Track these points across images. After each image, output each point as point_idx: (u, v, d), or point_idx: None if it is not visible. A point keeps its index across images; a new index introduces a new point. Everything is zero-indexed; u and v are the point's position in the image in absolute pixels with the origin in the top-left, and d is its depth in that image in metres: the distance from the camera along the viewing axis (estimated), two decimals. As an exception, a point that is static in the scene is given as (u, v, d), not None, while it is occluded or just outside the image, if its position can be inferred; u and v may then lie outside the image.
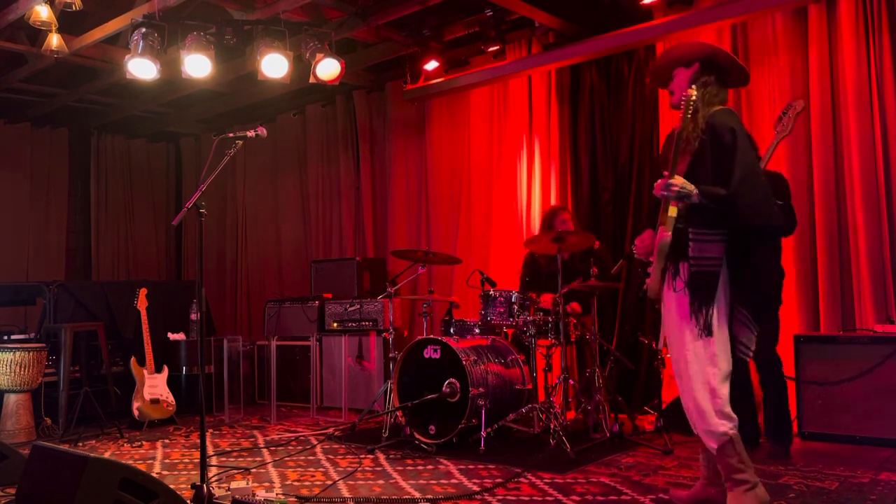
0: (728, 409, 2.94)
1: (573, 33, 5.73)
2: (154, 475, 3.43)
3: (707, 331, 2.92)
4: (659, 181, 2.97)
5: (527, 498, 3.39)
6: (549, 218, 5.27)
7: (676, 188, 2.91)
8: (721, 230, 2.92)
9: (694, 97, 2.97)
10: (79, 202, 8.64)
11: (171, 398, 5.63)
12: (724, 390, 2.94)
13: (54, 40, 5.24)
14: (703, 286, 2.93)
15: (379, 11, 5.54)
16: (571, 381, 4.74)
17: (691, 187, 2.91)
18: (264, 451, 4.62)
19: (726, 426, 2.94)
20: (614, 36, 5.39)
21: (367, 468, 4.07)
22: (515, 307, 4.77)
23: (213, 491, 3.28)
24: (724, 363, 2.96)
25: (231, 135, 3.51)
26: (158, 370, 5.64)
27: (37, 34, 5.88)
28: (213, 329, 7.22)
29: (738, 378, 4.25)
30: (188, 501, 3.13)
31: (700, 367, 2.96)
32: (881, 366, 4.21)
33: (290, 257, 8.24)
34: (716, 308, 2.93)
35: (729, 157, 2.90)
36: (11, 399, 5.15)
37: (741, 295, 2.97)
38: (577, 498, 3.36)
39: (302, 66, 5.50)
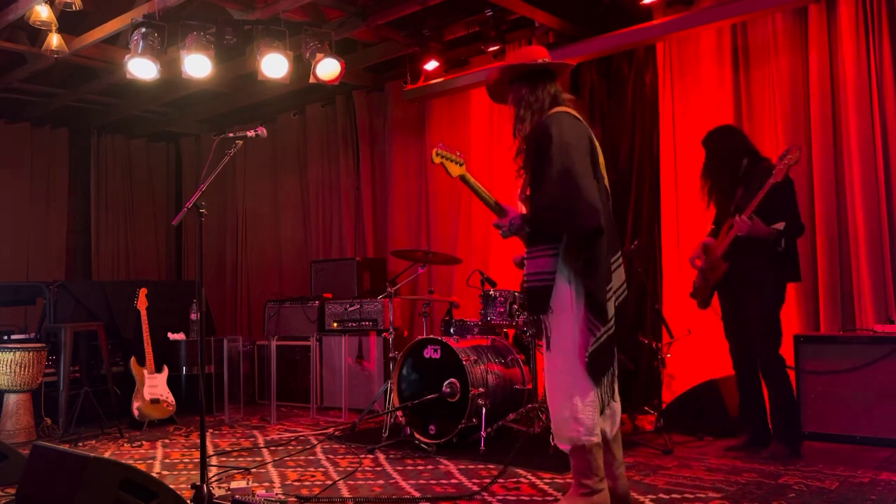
0: (583, 416, 2.93)
1: (573, 33, 5.73)
2: (154, 475, 3.43)
3: (546, 343, 3.02)
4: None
5: (527, 498, 3.39)
6: None
7: (505, 228, 3.10)
8: (550, 245, 2.99)
9: (438, 151, 3.16)
10: (79, 202, 8.63)
11: (171, 398, 5.63)
12: (580, 398, 2.93)
13: (54, 40, 5.24)
14: (533, 300, 3.03)
15: (379, 11, 5.54)
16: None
17: (518, 222, 3.06)
18: (264, 451, 4.62)
19: (578, 433, 2.94)
20: (614, 36, 5.39)
21: (367, 468, 4.07)
22: (515, 307, 4.77)
23: (213, 491, 3.28)
24: (582, 373, 2.94)
25: (231, 135, 3.51)
26: (158, 370, 5.64)
27: (37, 34, 5.89)
28: (213, 329, 7.22)
29: (747, 380, 4.29)
30: (188, 501, 3.14)
31: (555, 376, 3.02)
32: (881, 365, 4.21)
33: (290, 257, 8.24)
34: (570, 318, 2.94)
35: (542, 164, 2.96)
36: (11, 399, 5.15)
37: (584, 299, 2.93)
38: (577, 498, 3.36)
39: (302, 66, 5.50)
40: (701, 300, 4.39)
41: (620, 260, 3.11)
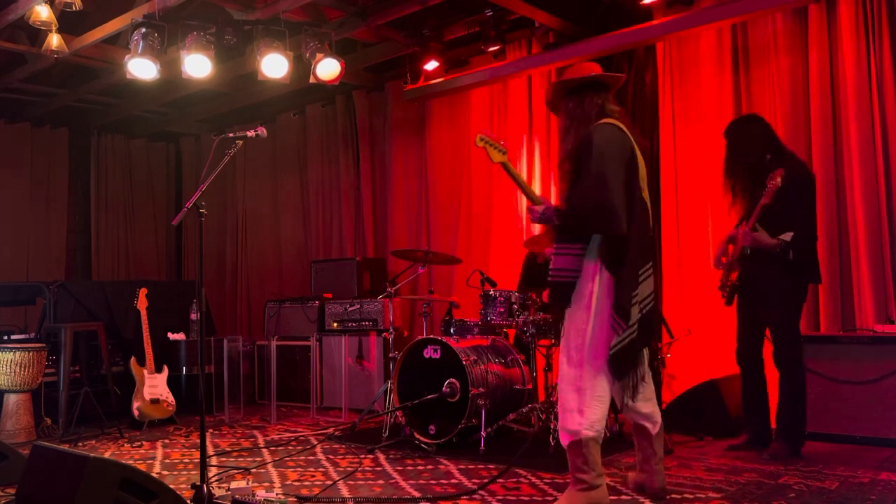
0: (587, 410, 3.04)
1: (573, 33, 5.73)
2: (154, 475, 3.43)
3: (559, 336, 3.15)
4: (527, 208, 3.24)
5: (527, 498, 3.40)
6: None
7: (537, 214, 3.16)
8: (578, 244, 3.10)
9: (482, 137, 3.22)
10: (79, 202, 8.63)
11: (171, 398, 5.63)
12: (589, 391, 3.05)
13: (54, 40, 5.24)
14: (556, 294, 3.15)
15: (379, 11, 5.54)
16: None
17: (549, 213, 3.13)
18: (264, 451, 4.62)
19: (580, 425, 3.04)
20: (614, 36, 5.39)
21: (367, 468, 4.07)
22: (515, 307, 4.76)
23: (213, 491, 3.28)
24: (594, 368, 3.06)
25: (231, 135, 3.51)
26: (158, 370, 5.64)
27: (37, 34, 5.88)
28: (213, 329, 7.22)
29: (751, 380, 4.27)
30: (188, 501, 3.14)
31: (566, 369, 3.11)
32: (882, 366, 4.21)
33: (290, 257, 8.24)
34: (587, 315, 3.05)
35: (580, 170, 3.09)
36: (11, 399, 5.15)
37: (611, 299, 3.05)
38: (577, 498, 3.36)
39: (302, 66, 5.50)
40: (726, 296, 4.30)
41: (651, 271, 3.20)
